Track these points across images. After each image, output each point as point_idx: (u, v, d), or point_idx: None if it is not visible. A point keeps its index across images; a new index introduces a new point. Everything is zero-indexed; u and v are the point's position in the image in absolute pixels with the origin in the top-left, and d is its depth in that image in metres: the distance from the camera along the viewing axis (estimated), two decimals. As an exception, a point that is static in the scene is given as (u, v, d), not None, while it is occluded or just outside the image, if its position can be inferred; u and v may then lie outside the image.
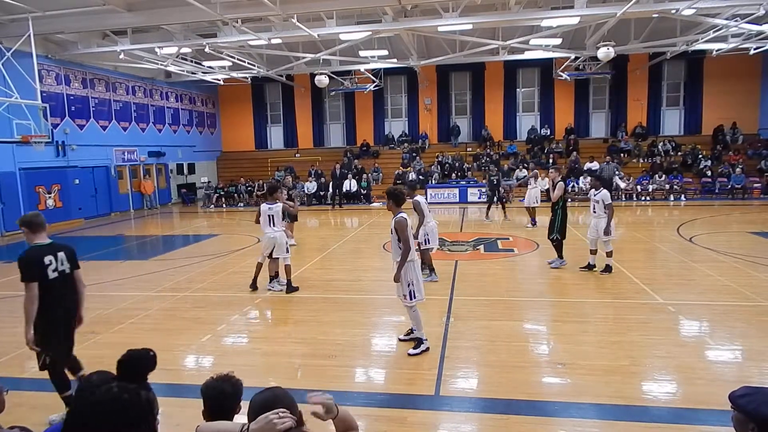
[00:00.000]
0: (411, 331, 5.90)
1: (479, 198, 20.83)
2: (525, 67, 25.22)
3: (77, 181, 18.45)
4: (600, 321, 6.61)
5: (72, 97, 18.61)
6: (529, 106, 26.46)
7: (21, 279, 4.24)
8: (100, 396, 1.50)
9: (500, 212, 16.24)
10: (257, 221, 8.43)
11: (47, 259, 4.35)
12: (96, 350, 6.03)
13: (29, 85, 13.47)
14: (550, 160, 23.14)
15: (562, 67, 22.40)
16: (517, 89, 26.22)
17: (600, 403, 4.41)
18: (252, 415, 1.83)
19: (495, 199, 16.02)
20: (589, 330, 6.25)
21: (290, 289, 8.31)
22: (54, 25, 14.37)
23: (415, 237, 8.03)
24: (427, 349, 5.64)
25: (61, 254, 4.48)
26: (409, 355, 5.57)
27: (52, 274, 4.34)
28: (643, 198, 20.18)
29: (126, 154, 21.19)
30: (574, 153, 22.82)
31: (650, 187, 20.32)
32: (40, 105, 13.59)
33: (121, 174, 21.11)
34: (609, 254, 8.87)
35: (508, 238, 12.61)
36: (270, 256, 8.32)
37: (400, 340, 5.92)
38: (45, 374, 5.28)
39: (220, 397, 2.36)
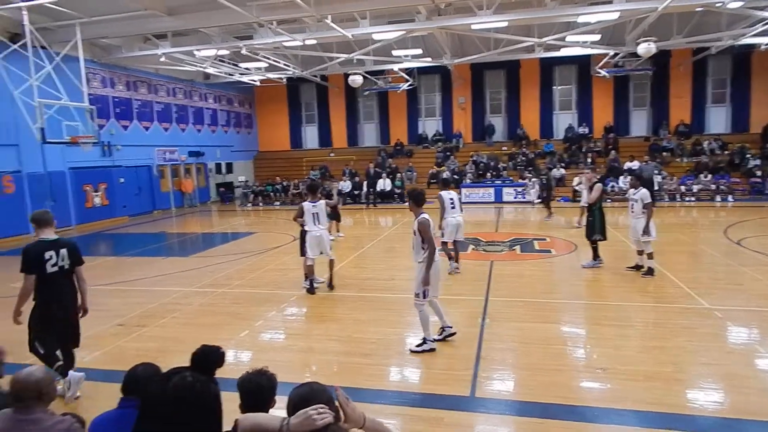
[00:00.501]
0: (443, 329, 5.93)
1: (515, 198, 20.55)
2: (561, 65, 24.68)
3: (122, 180, 19.15)
4: (641, 325, 6.42)
5: (116, 99, 19.31)
6: (566, 104, 25.90)
7: (20, 269, 4.52)
8: (176, 383, 1.61)
9: (545, 211, 15.98)
10: (296, 219, 8.48)
11: (48, 254, 4.58)
12: (141, 342, 6.25)
13: (77, 88, 14.05)
14: (588, 159, 22.61)
15: (601, 63, 21.81)
16: (554, 87, 25.69)
17: (641, 410, 4.28)
18: (291, 409, 1.86)
19: (544, 197, 16.15)
20: (629, 334, 6.09)
21: (330, 285, 8.32)
22: (99, 30, 14.97)
23: (440, 228, 9.02)
24: (433, 350, 5.63)
25: (63, 251, 4.70)
26: (412, 352, 5.64)
27: (50, 269, 4.59)
28: (687, 198, 19.46)
29: (167, 153, 21.84)
30: (613, 152, 22.21)
31: (694, 187, 19.59)
32: (87, 107, 14.15)
33: (163, 173, 21.78)
34: (649, 256, 8.61)
35: (545, 239, 12.38)
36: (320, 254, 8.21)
37: (434, 340, 5.91)
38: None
39: (255, 390, 2.42)
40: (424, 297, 5.62)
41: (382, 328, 6.57)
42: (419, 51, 20.35)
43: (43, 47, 13.10)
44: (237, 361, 5.70)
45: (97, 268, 11.07)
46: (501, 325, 6.46)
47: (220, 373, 2.25)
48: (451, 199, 9.31)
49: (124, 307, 7.79)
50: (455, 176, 23.08)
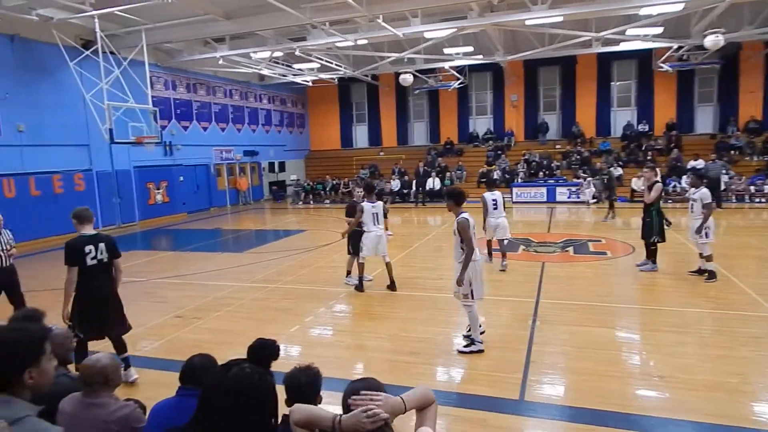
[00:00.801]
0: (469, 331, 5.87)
1: (568, 197, 19.94)
2: (620, 59, 23.67)
3: (182, 178, 20.04)
4: (703, 333, 6.10)
5: (177, 101, 20.23)
6: (625, 101, 24.86)
7: (64, 262, 4.81)
8: (235, 374, 1.71)
9: (604, 211, 15.44)
10: (347, 215, 8.75)
11: (87, 248, 4.86)
12: (198, 334, 6.53)
13: (142, 90, 14.83)
14: (648, 158, 21.62)
15: (663, 57, 20.79)
16: (612, 83, 24.72)
17: (702, 421, 4.07)
18: (345, 405, 1.88)
19: (606, 196, 15.87)
20: (689, 341, 5.79)
21: (393, 286, 8.21)
22: (163, 36, 15.74)
23: (483, 229, 9.49)
24: (481, 351, 5.57)
25: (101, 245, 4.97)
26: (459, 352, 5.61)
27: (90, 261, 4.87)
28: (756, 200, 18.25)
29: (224, 153, 22.68)
30: (676, 150, 21.13)
31: (765, 188, 18.34)
32: (151, 109, 14.93)
33: (219, 171, 22.63)
34: (707, 259, 8.16)
35: (601, 240, 11.96)
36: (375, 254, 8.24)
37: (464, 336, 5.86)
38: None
39: (297, 386, 2.48)
40: (473, 297, 5.58)
41: (429, 327, 6.56)
42: (471, 48, 20.09)
43: (112, 53, 13.90)
44: (287, 356, 5.84)
45: (158, 262, 11.67)
46: (552, 328, 6.31)
47: (274, 366, 2.35)
48: (494, 200, 9.36)
49: (182, 299, 8.16)
50: (506, 175, 22.70)
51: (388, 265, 8.31)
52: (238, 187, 23.64)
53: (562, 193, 20.29)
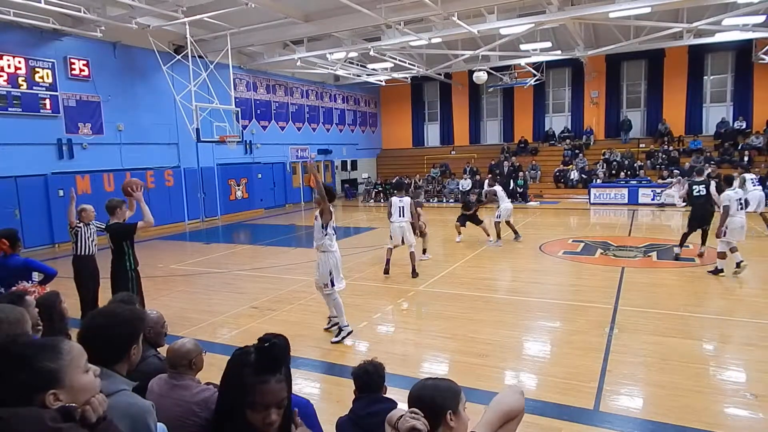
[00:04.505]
0: (330, 319, 6.39)
1: (653, 199, 18.76)
2: (715, 51, 21.91)
3: (260, 176, 20.97)
4: (808, 351, 5.53)
5: (258, 102, 21.18)
6: (720, 96, 22.98)
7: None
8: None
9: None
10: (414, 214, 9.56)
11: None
12: (271, 325, 6.82)
13: (226, 92, 15.67)
14: (746, 158, 19.88)
15: (766, 48, 19.00)
16: (705, 77, 22.91)
17: (804, 447, 3.71)
18: (408, 404, 1.88)
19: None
20: (791, 360, 5.27)
21: (414, 274, 9.09)
22: (246, 39, 16.55)
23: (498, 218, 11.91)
24: (350, 332, 6.08)
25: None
26: (333, 343, 5.95)
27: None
28: None
29: (299, 151, 23.47)
30: (779, 149, 19.27)
31: None
32: (233, 109, 15.75)
33: (295, 170, 23.43)
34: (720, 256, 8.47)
35: (688, 246, 11.14)
36: (402, 243, 9.32)
37: (325, 329, 6.37)
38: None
39: (364, 374, 2.77)
40: (333, 286, 6.05)
41: (498, 329, 6.43)
42: (549, 44, 19.42)
43: (200, 57, 14.81)
44: (355, 351, 5.96)
45: (238, 255, 12.29)
46: (631, 337, 5.97)
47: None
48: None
49: (258, 291, 8.55)
50: (583, 175, 21.73)
51: (411, 254, 9.25)
52: (312, 185, 24.31)
53: (645, 194, 19.11)
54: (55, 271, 5.14)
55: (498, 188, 12.38)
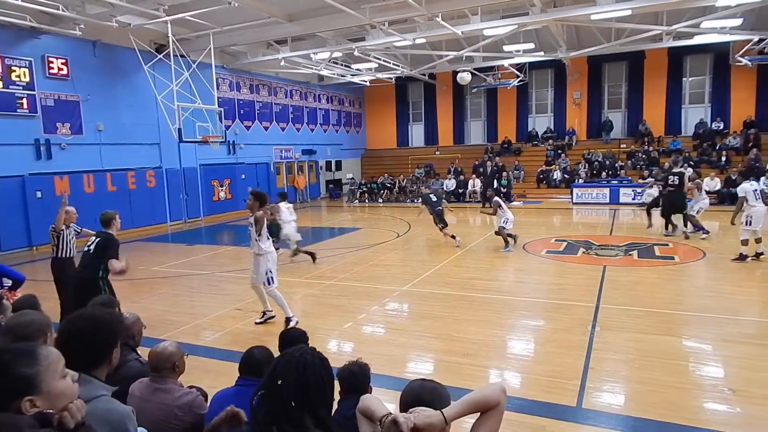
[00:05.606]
0: (264, 313, 6.81)
1: (633, 199, 19.05)
2: (694, 54, 22.32)
3: (243, 176, 20.79)
4: (784, 346, 5.66)
5: (241, 102, 21.00)
6: (698, 97, 23.43)
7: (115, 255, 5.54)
8: (299, 355, 1.83)
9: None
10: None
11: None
12: (255, 327, 6.77)
13: (208, 92, 15.51)
14: (723, 158, 20.29)
15: (742, 51, 19.42)
16: (684, 79, 23.35)
17: (780, 441, 3.79)
18: (401, 404, 1.89)
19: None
20: (768, 355, 5.39)
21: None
22: (230, 39, 16.41)
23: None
24: (297, 322, 6.44)
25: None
26: (256, 323, 6.68)
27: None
28: None
29: (283, 152, 23.34)
30: (755, 150, 19.67)
31: None
32: (216, 109, 15.59)
33: (279, 170, 23.30)
34: (744, 243, 9.01)
35: (668, 245, 11.35)
36: None
37: (256, 323, 6.73)
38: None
39: (349, 375, 2.79)
40: (271, 283, 6.57)
41: (482, 328, 6.47)
42: (531, 45, 19.58)
43: (182, 56, 14.61)
44: (340, 351, 5.95)
45: (221, 256, 12.18)
46: (613, 334, 6.05)
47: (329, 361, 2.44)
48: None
49: (242, 292, 8.45)
50: (566, 175, 21.98)
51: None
52: (296, 186, 24.25)
53: (626, 194, 19.41)
54: (24, 276, 5.08)
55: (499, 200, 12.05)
